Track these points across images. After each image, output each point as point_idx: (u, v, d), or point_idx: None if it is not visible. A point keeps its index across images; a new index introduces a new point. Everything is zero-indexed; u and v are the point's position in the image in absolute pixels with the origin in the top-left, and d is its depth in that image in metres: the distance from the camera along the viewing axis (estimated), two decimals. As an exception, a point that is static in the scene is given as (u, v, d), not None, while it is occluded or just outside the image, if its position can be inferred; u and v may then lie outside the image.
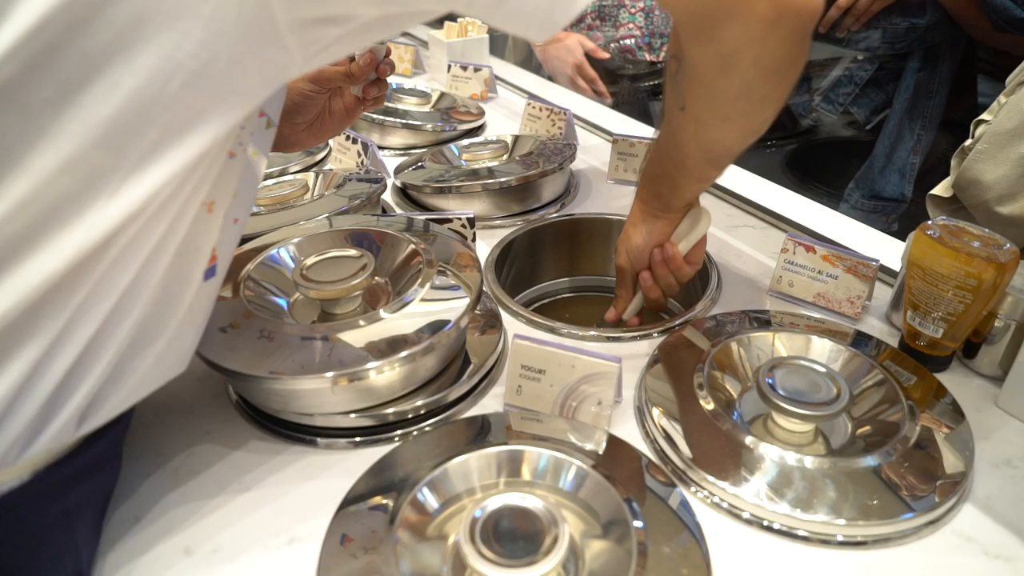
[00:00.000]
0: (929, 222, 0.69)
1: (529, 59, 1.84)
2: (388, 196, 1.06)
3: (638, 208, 0.72)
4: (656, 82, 1.67)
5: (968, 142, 0.85)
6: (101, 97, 0.36)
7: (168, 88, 0.37)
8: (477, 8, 0.42)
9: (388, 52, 0.75)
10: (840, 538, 0.53)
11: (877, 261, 0.76)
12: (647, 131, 1.24)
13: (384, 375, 0.59)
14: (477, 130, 1.31)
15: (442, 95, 1.40)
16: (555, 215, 1.01)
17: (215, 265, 0.49)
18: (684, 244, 0.71)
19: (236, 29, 0.37)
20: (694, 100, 0.58)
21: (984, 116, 0.83)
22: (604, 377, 0.61)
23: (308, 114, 0.73)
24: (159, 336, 0.47)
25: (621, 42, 1.65)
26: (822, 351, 0.69)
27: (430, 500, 0.53)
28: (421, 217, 0.80)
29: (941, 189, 0.90)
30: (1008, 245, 0.64)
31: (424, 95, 1.39)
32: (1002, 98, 0.81)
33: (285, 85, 0.52)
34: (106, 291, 0.41)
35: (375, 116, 1.21)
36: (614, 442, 0.59)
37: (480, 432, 0.60)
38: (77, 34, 0.34)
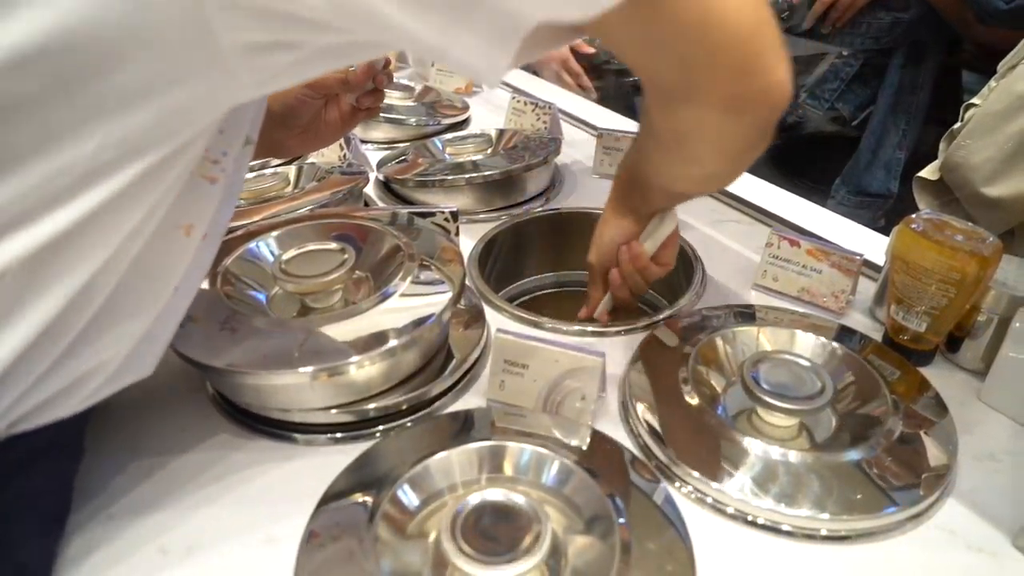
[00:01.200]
0: (913, 216, 0.69)
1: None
2: (371, 190, 1.04)
3: (610, 205, 0.71)
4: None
5: (957, 125, 0.85)
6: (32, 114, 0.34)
7: (105, 107, 0.35)
8: (421, 48, 0.40)
9: (388, 63, 0.74)
10: (824, 532, 0.53)
11: (861, 255, 0.76)
12: (632, 126, 1.24)
13: (364, 369, 0.58)
14: (461, 124, 1.30)
15: (426, 89, 1.39)
16: (540, 210, 1.00)
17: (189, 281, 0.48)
18: (650, 243, 0.71)
19: (177, 53, 0.36)
20: (656, 150, 0.58)
21: (974, 100, 0.83)
22: (588, 372, 0.60)
23: (302, 119, 0.72)
24: (120, 344, 0.45)
25: (607, 37, 1.64)
26: (806, 346, 0.68)
27: (411, 497, 0.52)
28: (404, 211, 0.79)
29: (928, 172, 0.90)
30: (991, 239, 0.64)
31: (408, 89, 1.38)
32: (992, 83, 0.82)
33: (263, 102, 0.50)
34: (39, 302, 0.39)
35: (358, 109, 1.20)
36: (598, 437, 0.58)
37: (463, 428, 0.59)
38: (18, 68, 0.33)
